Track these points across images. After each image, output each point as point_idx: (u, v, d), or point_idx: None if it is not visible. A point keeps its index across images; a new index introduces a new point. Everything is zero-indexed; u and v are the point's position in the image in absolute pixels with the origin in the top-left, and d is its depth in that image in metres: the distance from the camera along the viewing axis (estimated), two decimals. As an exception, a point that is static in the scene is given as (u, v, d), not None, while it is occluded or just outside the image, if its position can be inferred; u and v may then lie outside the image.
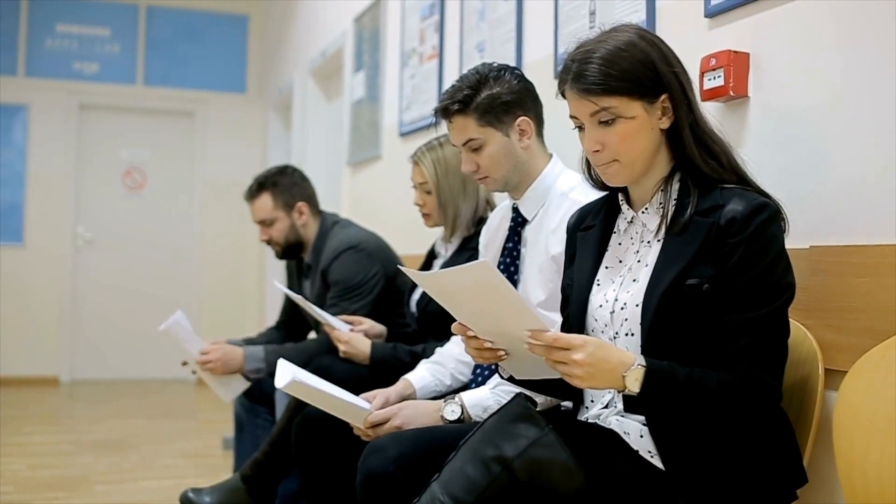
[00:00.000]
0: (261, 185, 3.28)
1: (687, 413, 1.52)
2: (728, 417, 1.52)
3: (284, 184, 3.28)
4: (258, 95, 7.76)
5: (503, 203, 2.39)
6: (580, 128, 1.66)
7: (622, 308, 1.62)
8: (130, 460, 4.51)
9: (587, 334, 1.69)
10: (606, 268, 1.71)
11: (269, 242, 3.34)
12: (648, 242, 1.65)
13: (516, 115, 2.16)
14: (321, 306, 2.99)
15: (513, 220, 2.25)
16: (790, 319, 1.75)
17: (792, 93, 1.85)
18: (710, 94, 1.98)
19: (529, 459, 1.49)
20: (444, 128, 2.31)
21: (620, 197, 1.73)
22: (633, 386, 1.46)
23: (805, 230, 1.78)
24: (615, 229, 1.74)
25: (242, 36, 7.81)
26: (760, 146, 1.92)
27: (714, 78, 1.96)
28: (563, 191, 2.15)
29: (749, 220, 1.52)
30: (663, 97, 1.60)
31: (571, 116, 1.66)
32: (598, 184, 1.77)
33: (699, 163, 1.61)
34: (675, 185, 1.63)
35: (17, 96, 7.11)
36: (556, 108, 2.40)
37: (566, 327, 1.77)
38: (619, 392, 1.56)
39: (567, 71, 1.63)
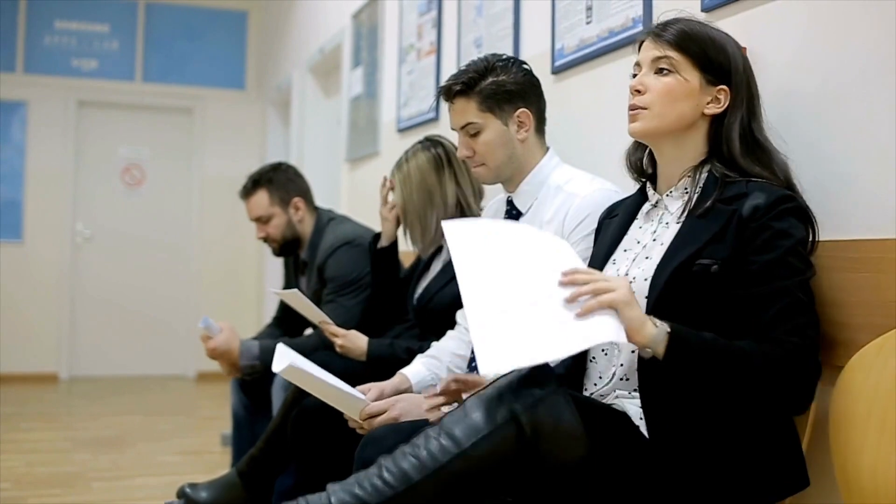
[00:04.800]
0: (256, 182, 3.28)
1: (721, 384, 1.49)
2: (768, 392, 1.49)
3: (280, 180, 3.27)
4: (257, 92, 7.76)
5: (498, 196, 2.39)
6: (635, 76, 1.72)
7: (631, 282, 1.62)
8: (128, 457, 4.50)
9: None
10: (625, 250, 1.74)
11: (265, 239, 3.34)
12: (667, 224, 1.68)
13: (517, 106, 2.18)
14: (317, 302, 2.98)
15: (507, 212, 2.25)
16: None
17: (789, 87, 1.84)
18: (707, 89, 1.97)
19: (537, 417, 1.44)
20: (440, 118, 2.31)
21: (648, 184, 1.77)
22: (660, 339, 1.45)
23: (802, 225, 1.77)
24: (637, 216, 1.77)
25: (241, 32, 7.80)
26: (757, 141, 1.91)
27: (711, 72, 1.95)
28: (557, 184, 2.16)
29: (772, 208, 1.54)
30: (722, 87, 1.65)
31: (635, 64, 1.73)
32: (634, 168, 1.83)
33: (739, 159, 1.64)
34: (704, 175, 1.66)
35: (16, 93, 7.10)
36: (555, 106, 2.39)
37: None
38: (642, 349, 1.52)
39: (655, 25, 1.72)
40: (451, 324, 2.49)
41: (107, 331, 7.36)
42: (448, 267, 2.66)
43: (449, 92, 2.20)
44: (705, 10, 2.06)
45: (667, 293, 1.55)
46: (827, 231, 1.71)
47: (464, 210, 2.65)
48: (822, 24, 1.76)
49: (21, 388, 6.67)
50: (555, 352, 1.42)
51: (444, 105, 2.30)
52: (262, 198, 3.26)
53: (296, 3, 6.57)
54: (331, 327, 2.75)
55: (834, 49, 1.73)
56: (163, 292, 7.50)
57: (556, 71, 2.73)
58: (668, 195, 1.71)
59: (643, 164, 1.81)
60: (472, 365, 2.29)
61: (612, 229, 1.80)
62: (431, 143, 2.71)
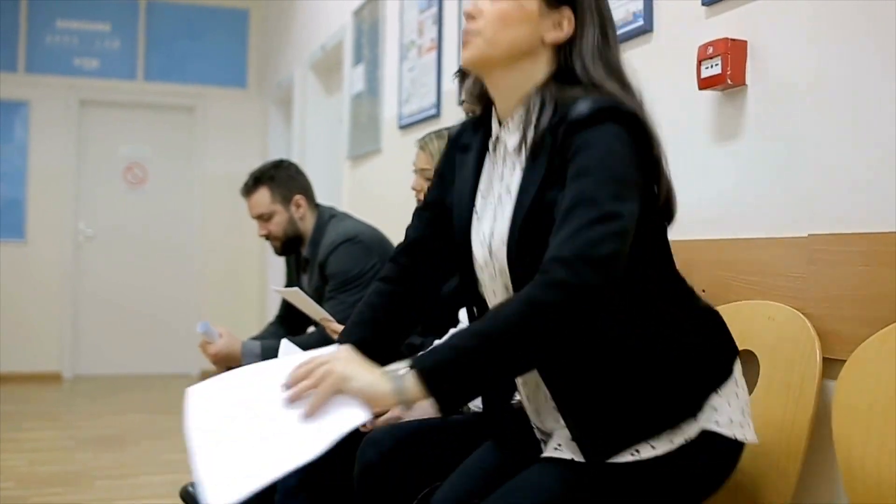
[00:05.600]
0: (257, 180, 3.27)
1: (512, 364, 1.35)
2: (557, 330, 1.30)
3: (281, 177, 3.26)
4: (258, 90, 7.75)
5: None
6: None
7: (493, 246, 1.53)
8: (131, 456, 4.51)
9: (473, 271, 1.60)
10: (482, 198, 1.61)
11: (267, 237, 3.33)
12: (513, 165, 1.55)
13: None
14: (319, 299, 2.98)
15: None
16: (787, 307, 1.75)
17: (790, 81, 1.83)
18: (708, 83, 1.96)
19: None
20: (441, 114, 2.30)
21: (494, 110, 1.60)
22: (410, 384, 1.30)
23: (803, 218, 1.77)
24: (488, 150, 1.63)
25: (242, 30, 7.80)
26: (758, 135, 1.91)
27: (711, 66, 1.95)
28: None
29: (589, 120, 1.38)
30: (566, 12, 1.49)
31: None
32: (478, 100, 1.66)
33: (594, 77, 1.46)
34: (538, 101, 1.49)
35: (18, 93, 7.10)
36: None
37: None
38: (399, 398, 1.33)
39: None
40: (454, 320, 2.48)
41: (109, 330, 7.37)
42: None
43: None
44: (706, 3, 2.05)
45: (522, 253, 1.43)
46: (827, 224, 1.71)
47: None
48: (822, 17, 1.76)
49: (24, 387, 6.68)
50: (290, 462, 1.29)
51: (448, 100, 2.29)
52: (263, 195, 3.25)
53: (297, 1, 6.57)
54: (333, 324, 2.75)
55: (834, 42, 1.73)
56: (165, 291, 7.51)
57: (557, 66, 2.72)
58: (505, 129, 1.56)
59: (488, 94, 1.61)
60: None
61: (467, 169, 1.63)
62: None
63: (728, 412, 1.45)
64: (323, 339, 2.88)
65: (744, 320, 1.84)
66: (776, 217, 1.84)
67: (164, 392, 6.66)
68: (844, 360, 1.55)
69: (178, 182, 7.62)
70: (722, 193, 2.01)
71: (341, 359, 1.36)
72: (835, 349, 1.64)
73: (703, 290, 1.98)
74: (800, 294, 1.73)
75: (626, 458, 1.40)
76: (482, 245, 1.56)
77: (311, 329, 3.35)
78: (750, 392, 1.77)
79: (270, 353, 2.95)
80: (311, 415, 1.31)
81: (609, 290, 1.30)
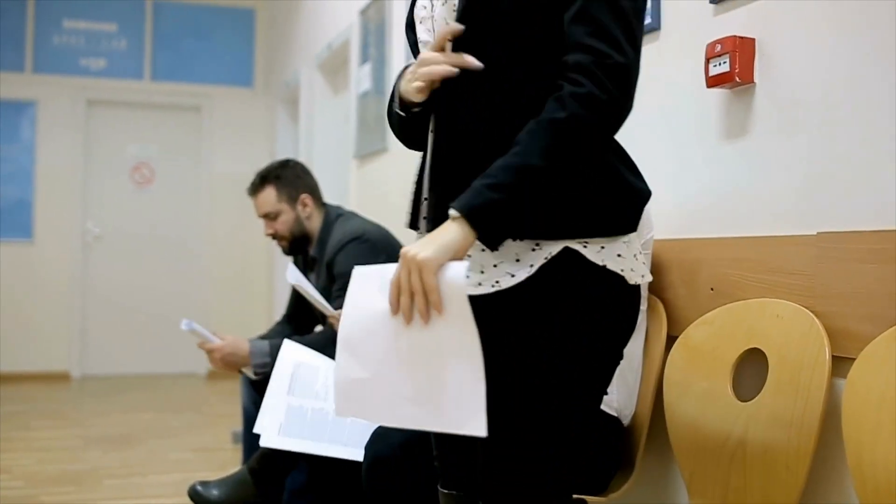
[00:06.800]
0: (264, 179, 3.27)
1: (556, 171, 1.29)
2: (599, 129, 1.30)
3: (287, 176, 3.27)
4: (265, 89, 7.76)
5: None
6: None
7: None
8: (139, 455, 4.51)
9: None
10: None
11: (274, 236, 3.33)
12: None
13: None
14: (327, 298, 2.98)
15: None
16: (796, 305, 1.75)
17: (798, 78, 1.83)
18: (716, 81, 1.96)
19: None
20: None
21: None
22: (462, 228, 1.27)
23: (812, 216, 1.76)
24: None
25: (249, 30, 7.81)
26: (766, 132, 1.90)
27: (720, 64, 1.94)
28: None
29: None
30: None
31: None
32: None
33: None
34: None
35: (25, 93, 7.12)
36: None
37: None
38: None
39: None
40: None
41: (117, 329, 7.38)
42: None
43: None
44: (714, 1, 2.05)
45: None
46: (836, 222, 1.70)
47: None
48: (830, 14, 1.75)
49: (32, 386, 6.70)
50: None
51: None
52: (269, 194, 3.25)
53: (303, 1, 6.57)
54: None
55: (843, 40, 1.72)
56: (173, 290, 7.52)
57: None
58: None
59: None
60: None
61: None
62: None
63: (601, 241, 1.38)
64: (330, 339, 2.89)
65: (752, 318, 1.83)
66: (785, 215, 1.84)
67: (173, 391, 6.68)
68: (854, 359, 1.55)
69: (186, 181, 7.63)
70: (730, 191, 2.00)
71: (412, 251, 1.28)
72: (844, 347, 1.63)
73: (712, 289, 1.98)
74: (809, 292, 1.72)
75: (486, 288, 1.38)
76: None
77: (318, 328, 3.36)
78: (758, 391, 1.77)
79: (278, 350, 2.96)
80: (440, 310, 1.27)
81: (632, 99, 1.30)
